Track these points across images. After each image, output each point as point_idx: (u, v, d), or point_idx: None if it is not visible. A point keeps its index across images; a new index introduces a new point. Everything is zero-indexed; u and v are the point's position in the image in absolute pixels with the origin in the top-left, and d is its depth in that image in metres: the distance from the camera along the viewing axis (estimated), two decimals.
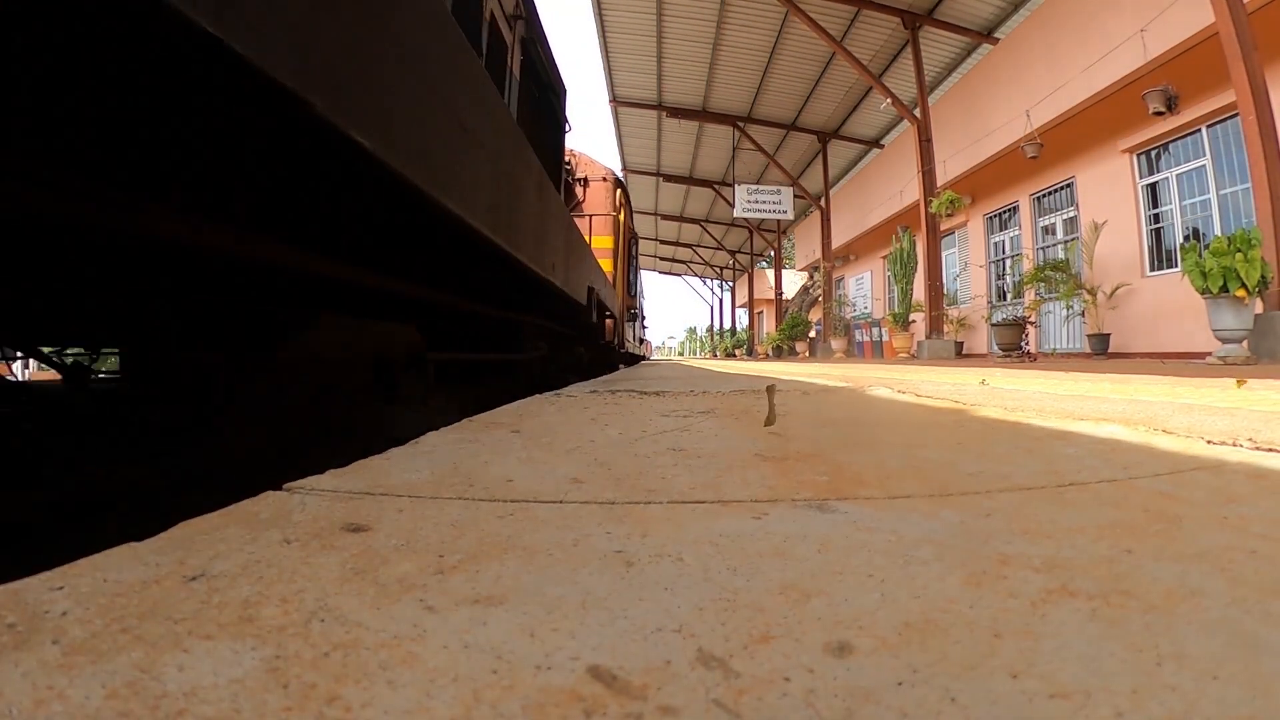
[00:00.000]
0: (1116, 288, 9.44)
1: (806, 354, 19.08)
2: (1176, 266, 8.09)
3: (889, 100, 11.94)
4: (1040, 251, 11.90)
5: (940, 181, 11.64)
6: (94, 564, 0.53)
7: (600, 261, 6.58)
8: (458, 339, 3.09)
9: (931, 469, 0.98)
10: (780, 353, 20.52)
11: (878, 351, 16.66)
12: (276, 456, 1.60)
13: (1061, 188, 11.26)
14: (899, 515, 0.72)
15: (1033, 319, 10.84)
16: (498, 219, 2.32)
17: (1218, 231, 7.95)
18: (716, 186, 21.77)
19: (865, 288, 20.24)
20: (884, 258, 16.03)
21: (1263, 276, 5.60)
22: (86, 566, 0.53)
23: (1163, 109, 8.45)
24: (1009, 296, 12.73)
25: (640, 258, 37.64)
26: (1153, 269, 9.35)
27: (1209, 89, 7.82)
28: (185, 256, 1.32)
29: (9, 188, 0.88)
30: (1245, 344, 5.88)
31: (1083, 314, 10.08)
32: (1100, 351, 9.47)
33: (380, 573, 0.53)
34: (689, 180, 22.29)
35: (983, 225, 13.57)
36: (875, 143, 17.51)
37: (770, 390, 1.60)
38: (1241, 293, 5.69)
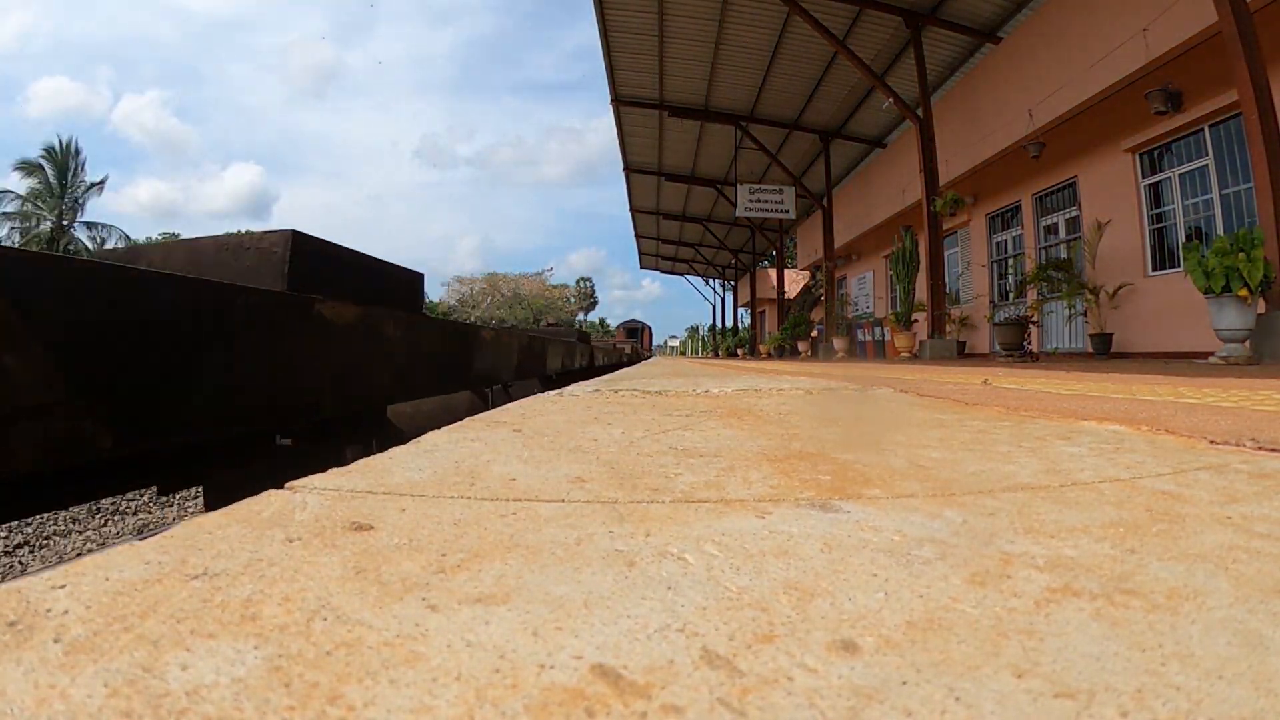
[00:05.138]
0: (1119, 287, 9.43)
1: (808, 353, 19.08)
2: (1179, 266, 8.08)
3: (891, 100, 11.93)
4: (1042, 251, 11.89)
5: (942, 181, 11.62)
6: (96, 562, 0.53)
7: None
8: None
9: (935, 468, 0.98)
10: (782, 352, 20.51)
11: (880, 351, 16.64)
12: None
13: (1064, 187, 11.25)
14: (902, 515, 0.72)
15: (1035, 319, 10.83)
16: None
17: (1220, 231, 7.93)
18: (719, 186, 21.74)
19: (867, 287, 20.23)
20: (886, 257, 16.02)
21: (1265, 276, 5.59)
22: (88, 565, 0.53)
23: (1165, 108, 8.43)
24: (1011, 296, 12.72)
25: (642, 256, 37.35)
26: (1155, 268, 9.33)
27: (1211, 88, 7.81)
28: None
29: None
30: (1247, 344, 5.87)
31: (1085, 314, 10.07)
32: (1102, 351, 9.46)
33: (383, 572, 0.53)
34: (691, 180, 22.26)
35: (985, 224, 13.56)
36: (878, 142, 17.49)
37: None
38: (1244, 292, 5.68)
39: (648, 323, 36.57)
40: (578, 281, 71.92)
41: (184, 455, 1.71)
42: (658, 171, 22.17)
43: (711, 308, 43.34)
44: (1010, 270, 12.89)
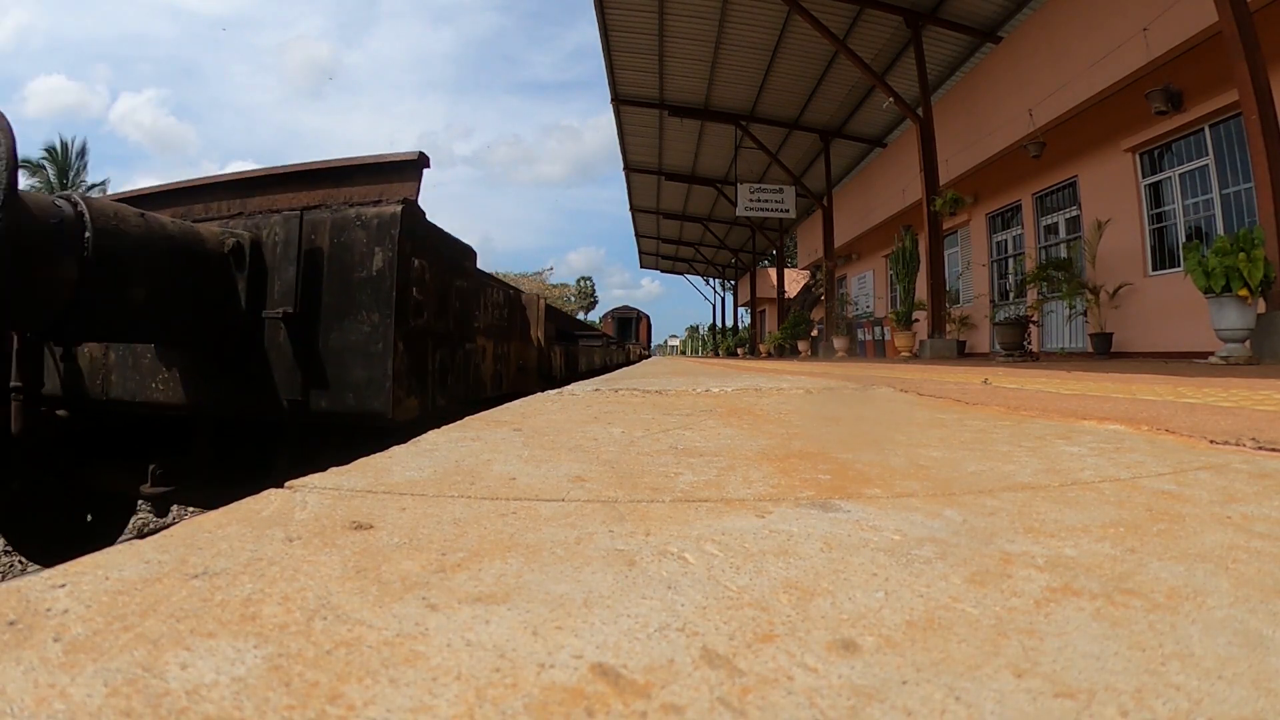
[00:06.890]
0: (1119, 287, 9.43)
1: (808, 353, 19.06)
2: (1179, 266, 8.08)
3: (891, 99, 11.92)
4: (1042, 250, 11.89)
5: (943, 180, 11.62)
6: (95, 562, 0.53)
7: None
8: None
9: (935, 468, 0.98)
10: (782, 351, 20.50)
11: (880, 350, 16.65)
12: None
13: (1064, 186, 11.24)
14: (902, 514, 0.72)
15: (1035, 318, 10.82)
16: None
17: (1220, 231, 7.93)
18: (719, 185, 21.73)
19: (867, 287, 20.23)
20: (886, 256, 16.02)
21: (1265, 276, 5.59)
22: (88, 564, 0.53)
23: (1165, 108, 8.43)
24: (1011, 295, 12.72)
25: (642, 255, 37.06)
26: (1155, 268, 9.33)
27: (1212, 88, 7.80)
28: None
29: None
30: (1248, 344, 5.87)
31: (1085, 313, 10.07)
32: (1103, 351, 9.46)
33: (382, 571, 0.53)
34: (691, 179, 22.24)
35: (985, 224, 13.56)
36: (878, 141, 17.48)
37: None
38: (1244, 292, 5.68)
39: (647, 312, 29.94)
40: (578, 281, 71.92)
41: None
42: (658, 171, 22.15)
43: (712, 307, 43.41)
44: (1010, 270, 12.89)
